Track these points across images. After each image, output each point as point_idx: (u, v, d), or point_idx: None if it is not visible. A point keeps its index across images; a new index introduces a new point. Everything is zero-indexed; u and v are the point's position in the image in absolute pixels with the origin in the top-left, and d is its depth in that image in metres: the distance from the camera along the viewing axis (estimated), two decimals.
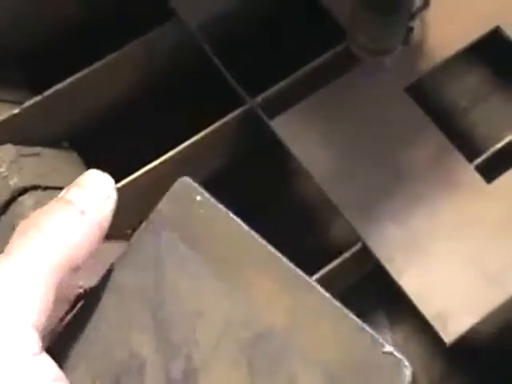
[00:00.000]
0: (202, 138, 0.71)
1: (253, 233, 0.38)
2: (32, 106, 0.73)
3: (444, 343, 0.62)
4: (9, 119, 0.72)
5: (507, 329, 0.81)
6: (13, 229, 0.67)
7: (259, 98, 0.72)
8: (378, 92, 0.72)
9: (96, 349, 0.37)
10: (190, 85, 0.81)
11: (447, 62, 0.74)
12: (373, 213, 0.67)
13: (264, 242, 0.38)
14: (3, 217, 0.67)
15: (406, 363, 0.35)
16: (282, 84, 0.73)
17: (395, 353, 0.35)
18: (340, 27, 0.73)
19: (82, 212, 0.33)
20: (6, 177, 0.68)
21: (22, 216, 0.67)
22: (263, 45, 0.83)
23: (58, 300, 0.32)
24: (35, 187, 0.69)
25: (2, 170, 0.69)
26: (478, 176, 0.69)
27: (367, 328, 0.36)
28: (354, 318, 0.36)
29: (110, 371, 0.37)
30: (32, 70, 0.80)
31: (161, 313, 0.37)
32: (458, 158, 0.70)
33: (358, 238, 0.66)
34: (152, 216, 0.39)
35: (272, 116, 0.71)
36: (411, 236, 0.66)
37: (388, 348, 0.35)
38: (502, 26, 0.75)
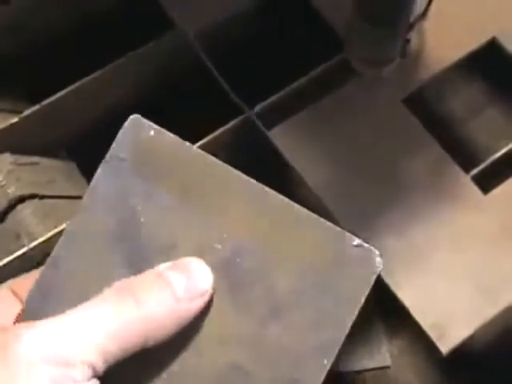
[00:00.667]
0: (200, 147, 0.71)
1: (213, 158, 0.38)
2: (30, 115, 0.73)
3: (440, 353, 0.62)
4: (7, 128, 0.72)
5: (502, 338, 0.81)
6: (11, 236, 0.67)
7: (257, 108, 0.72)
8: (375, 103, 0.73)
9: (72, 293, 0.37)
10: (188, 94, 0.81)
11: (444, 72, 0.75)
12: (370, 224, 0.67)
13: (226, 166, 0.38)
14: (1, 225, 0.67)
15: (377, 252, 0.36)
16: (280, 94, 0.73)
17: (365, 244, 0.36)
18: (338, 39, 0.74)
19: (178, 300, 0.34)
20: (3, 186, 0.69)
21: (21, 224, 0.67)
22: (261, 55, 0.83)
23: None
24: (33, 196, 0.69)
25: None
26: (474, 187, 0.69)
27: (336, 227, 0.36)
28: (322, 220, 0.36)
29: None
30: (31, 79, 0.80)
31: (133, 250, 0.37)
32: (455, 168, 0.70)
33: None
34: (108, 156, 0.38)
35: (270, 126, 0.71)
36: (408, 247, 0.66)
37: (357, 241, 0.36)
38: (498, 37, 0.75)
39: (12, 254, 0.63)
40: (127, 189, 0.37)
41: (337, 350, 0.35)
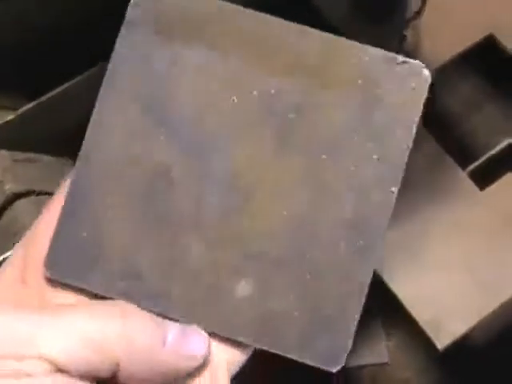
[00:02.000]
0: None
1: (239, 7, 0.35)
2: (27, 111, 0.73)
3: (437, 349, 0.62)
4: (3, 125, 0.72)
5: (502, 333, 0.81)
6: (8, 233, 0.67)
7: None
8: None
9: (116, 168, 0.34)
10: None
11: (441, 70, 0.75)
12: None
13: (254, 12, 0.35)
14: None
15: (423, 65, 0.35)
16: None
17: (410, 60, 0.35)
18: (335, 33, 0.74)
19: (163, 342, 0.31)
20: (0, 182, 0.69)
21: (18, 221, 0.67)
22: None
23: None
24: (29, 192, 0.69)
25: None
26: (471, 183, 0.69)
27: (379, 50, 0.35)
28: (364, 46, 0.35)
29: (138, 186, 0.33)
30: (28, 75, 0.80)
31: (169, 124, 0.34)
32: (452, 164, 0.70)
33: None
34: (123, 28, 0.36)
35: None
36: (405, 242, 0.66)
37: (401, 58, 0.35)
38: (495, 34, 0.75)
39: (9, 251, 0.63)
40: (152, 57, 0.34)
41: (401, 174, 0.34)
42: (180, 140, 0.33)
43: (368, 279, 0.34)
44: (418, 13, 0.69)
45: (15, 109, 0.73)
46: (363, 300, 0.33)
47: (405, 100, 0.34)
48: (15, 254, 0.35)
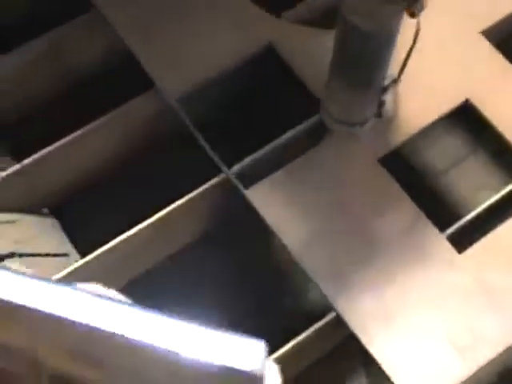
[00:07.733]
0: (179, 207, 0.72)
1: None
2: (12, 173, 0.74)
3: None
4: None
5: None
6: None
7: (235, 168, 0.73)
8: (352, 163, 0.74)
9: None
10: (168, 155, 0.82)
11: (420, 133, 0.76)
12: (345, 283, 0.68)
13: None
14: None
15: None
16: (258, 154, 0.74)
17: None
18: (314, 100, 0.75)
19: None
20: None
21: None
22: (240, 116, 0.85)
23: None
24: (13, 254, 0.69)
25: None
26: (449, 246, 0.70)
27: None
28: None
29: None
30: (15, 138, 0.81)
31: None
32: (430, 228, 0.71)
33: (332, 307, 0.67)
34: None
35: (247, 186, 0.72)
36: (383, 305, 0.66)
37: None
38: (470, 99, 0.77)
39: None
40: None
41: None
42: None
43: None
44: (396, 80, 0.71)
45: (1, 170, 0.74)
46: None
47: None
48: None
